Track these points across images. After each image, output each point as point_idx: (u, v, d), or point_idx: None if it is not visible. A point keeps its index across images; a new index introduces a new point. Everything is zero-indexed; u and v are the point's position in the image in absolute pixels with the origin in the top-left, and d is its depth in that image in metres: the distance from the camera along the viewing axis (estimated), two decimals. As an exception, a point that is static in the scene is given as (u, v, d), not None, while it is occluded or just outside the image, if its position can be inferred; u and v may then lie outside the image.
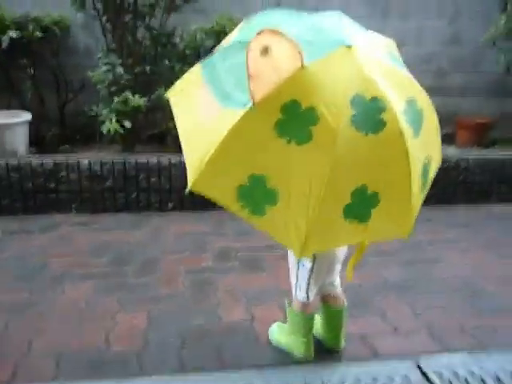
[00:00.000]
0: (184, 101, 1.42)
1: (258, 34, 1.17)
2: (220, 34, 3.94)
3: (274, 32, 1.16)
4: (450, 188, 3.96)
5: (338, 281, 1.84)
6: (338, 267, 1.80)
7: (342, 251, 1.74)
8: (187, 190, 1.29)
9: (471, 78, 5.15)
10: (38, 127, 4.23)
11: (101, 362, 1.81)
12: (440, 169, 3.88)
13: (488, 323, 2.13)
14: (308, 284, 1.71)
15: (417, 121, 1.31)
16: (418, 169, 1.32)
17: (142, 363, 1.80)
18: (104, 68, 3.77)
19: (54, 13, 4.18)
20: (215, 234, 3.18)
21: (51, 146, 4.12)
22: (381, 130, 1.21)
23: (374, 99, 1.21)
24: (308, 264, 1.68)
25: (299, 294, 1.75)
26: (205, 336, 1.99)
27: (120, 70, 3.76)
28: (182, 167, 3.58)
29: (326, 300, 1.85)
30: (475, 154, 4.12)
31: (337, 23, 1.41)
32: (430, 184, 1.48)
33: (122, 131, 3.62)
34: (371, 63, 1.26)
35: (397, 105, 1.24)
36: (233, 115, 1.20)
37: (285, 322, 1.93)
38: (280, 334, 1.92)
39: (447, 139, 5.08)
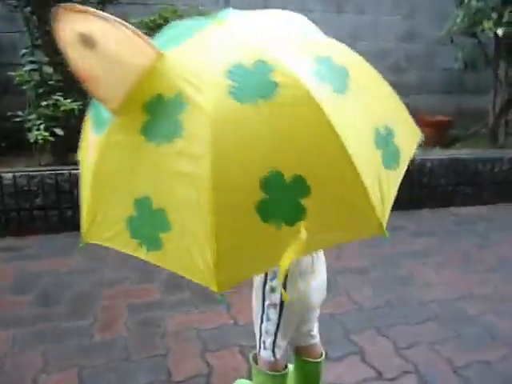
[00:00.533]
0: (83, 154, 1.13)
1: (57, 12, 0.89)
2: (163, 28, 3.53)
3: (87, 12, 0.89)
4: (415, 191, 3.76)
5: (315, 330, 1.51)
6: (315, 314, 1.47)
7: (317, 295, 1.40)
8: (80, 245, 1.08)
9: (427, 75, 5.01)
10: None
11: None
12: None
13: (479, 358, 1.87)
14: (274, 340, 1.37)
15: (338, 77, 0.97)
16: (362, 134, 0.95)
17: None
18: (29, 67, 3.28)
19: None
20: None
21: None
22: (275, 93, 0.89)
23: (258, 63, 0.92)
24: (273, 316, 1.34)
25: (263, 352, 1.40)
26: (151, 401, 1.61)
27: (48, 69, 3.27)
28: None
29: (301, 352, 1.51)
30: (439, 154, 3.93)
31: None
32: (407, 161, 1.08)
33: (53, 139, 3.15)
34: (255, 32, 1.04)
35: (296, 64, 0.94)
36: (98, 140, 0.99)
37: (250, 378, 1.58)
38: (244, 395, 1.56)
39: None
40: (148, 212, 0.94)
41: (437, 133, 4.61)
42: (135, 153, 0.95)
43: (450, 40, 4.53)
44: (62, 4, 0.91)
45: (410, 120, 1.16)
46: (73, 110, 3.19)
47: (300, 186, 0.89)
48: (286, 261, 0.89)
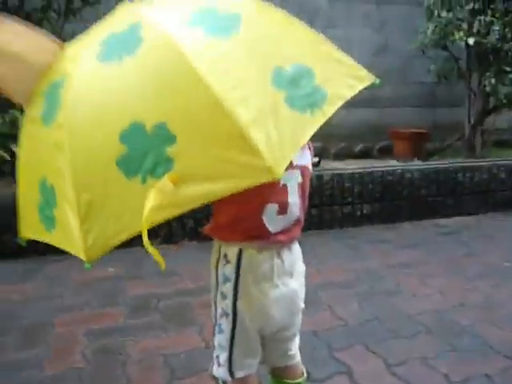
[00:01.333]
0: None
1: None
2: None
3: None
4: (394, 204, 3.63)
5: (293, 349, 1.29)
6: (292, 332, 1.27)
7: (279, 310, 1.19)
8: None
9: (401, 89, 4.97)
10: None
11: None
12: (383, 183, 3.48)
13: (476, 370, 1.69)
14: (229, 357, 1.17)
15: (221, 23, 0.91)
16: (249, 75, 0.86)
17: None
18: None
19: None
20: (130, 277, 2.56)
21: None
22: (139, 48, 0.87)
23: (132, 25, 0.90)
24: (226, 327, 1.15)
25: (218, 370, 1.19)
26: None
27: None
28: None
29: (277, 374, 1.30)
30: (419, 164, 3.84)
31: None
32: (339, 102, 0.96)
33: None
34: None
35: (166, 18, 0.92)
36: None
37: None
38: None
39: (384, 152, 4.85)
40: (47, 192, 0.94)
41: (413, 146, 4.56)
42: (35, 138, 1.00)
43: (422, 52, 4.52)
44: None
45: (347, 65, 1.05)
46: None
47: (163, 134, 0.82)
48: (149, 218, 0.79)
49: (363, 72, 1.05)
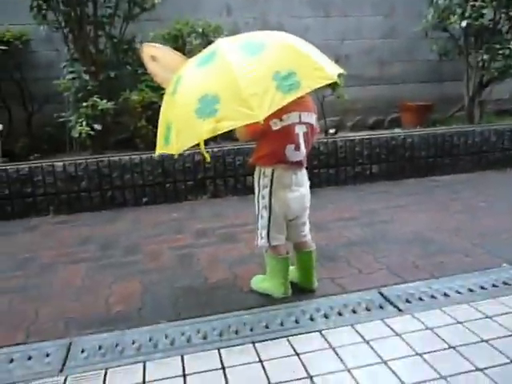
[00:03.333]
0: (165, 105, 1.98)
1: (142, 47, 2.22)
2: (177, 38, 4.22)
3: (153, 45, 2.25)
4: (398, 164, 4.37)
5: (305, 231, 2.15)
6: (302, 221, 2.12)
7: (295, 205, 2.04)
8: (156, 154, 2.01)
9: (409, 67, 5.65)
10: (6, 140, 4.36)
11: (105, 319, 2.02)
12: (388, 147, 4.27)
13: (437, 260, 2.48)
14: (268, 232, 2.05)
15: (253, 49, 1.77)
16: (262, 73, 1.68)
17: (142, 317, 2.03)
18: (70, 76, 3.97)
19: (13, 28, 4.35)
20: (191, 218, 3.43)
21: (21, 156, 4.26)
22: (213, 60, 1.78)
23: (212, 51, 1.84)
24: (265, 214, 2.04)
25: (261, 241, 2.08)
26: (194, 292, 2.24)
27: (85, 76, 3.96)
28: (152, 163, 3.82)
29: (297, 247, 2.16)
30: (418, 130, 4.56)
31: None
32: (308, 88, 1.78)
33: (93, 133, 3.82)
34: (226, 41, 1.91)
35: (228, 48, 1.80)
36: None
37: (264, 274, 2.21)
38: (261, 281, 2.19)
39: (394, 123, 5.57)
40: (168, 128, 1.81)
41: (419, 116, 5.25)
42: (167, 101, 1.92)
43: (425, 34, 5.18)
44: (145, 43, 2.21)
45: (321, 70, 1.80)
46: (108, 109, 3.88)
47: (215, 99, 1.67)
48: (203, 135, 1.70)
49: (328, 74, 1.82)
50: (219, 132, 1.67)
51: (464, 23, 4.58)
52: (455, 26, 4.71)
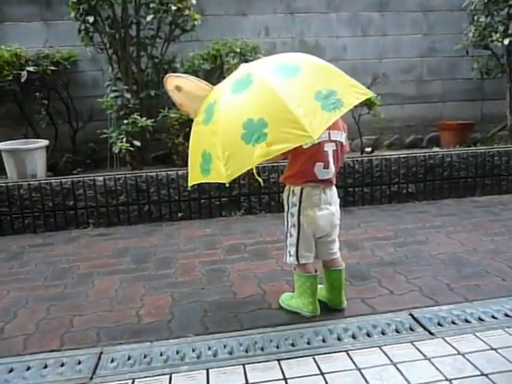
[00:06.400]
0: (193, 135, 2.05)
1: (166, 78, 2.10)
2: (216, 58, 4.34)
3: (177, 76, 2.14)
4: (436, 184, 4.28)
5: (335, 249, 2.14)
6: (332, 238, 2.12)
7: (323, 222, 2.03)
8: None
9: (448, 85, 5.56)
10: (52, 155, 4.58)
11: (135, 330, 2.08)
12: (426, 166, 4.21)
13: (472, 283, 2.41)
14: (297, 250, 2.06)
15: (290, 71, 1.80)
16: (303, 94, 1.73)
17: (170, 330, 2.07)
18: (112, 95, 4.15)
19: (62, 50, 4.60)
20: (223, 234, 3.47)
21: (65, 170, 4.46)
22: (250, 86, 1.78)
23: (247, 75, 1.84)
24: (294, 233, 2.05)
25: (289, 259, 2.09)
26: (223, 307, 2.26)
27: (127, 95, 4.12)
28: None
29: (326, 264, 2.15)
30: (458, 150, 4.45)
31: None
32: (348, 106, 1.79)
33: (132, 149, 3.96)
34: (259, 64, 1.96)
35: (265, 71, 1.83)
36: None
37: (293, 292, 2.21)
38: (289, 299, 2.20)
39: (432, 142, 5.47)
40: (206, 157, 1.83)
41: (458, 135, 5.15)
42: (198, 132, 1.95)
43: (466, 52, 5.10)
44: (168, 74, 2.14)
45: (356, 87, 1.85)
46: (147, 126, 4.01)
47: (262, 123, 1.68)
48: (255, 160, 1.68)
49: (364, 90, 1.86)
50: (271, 156, 1.69)
51: (506, 41, 4.49)
52: (497, 43, 4.62)
